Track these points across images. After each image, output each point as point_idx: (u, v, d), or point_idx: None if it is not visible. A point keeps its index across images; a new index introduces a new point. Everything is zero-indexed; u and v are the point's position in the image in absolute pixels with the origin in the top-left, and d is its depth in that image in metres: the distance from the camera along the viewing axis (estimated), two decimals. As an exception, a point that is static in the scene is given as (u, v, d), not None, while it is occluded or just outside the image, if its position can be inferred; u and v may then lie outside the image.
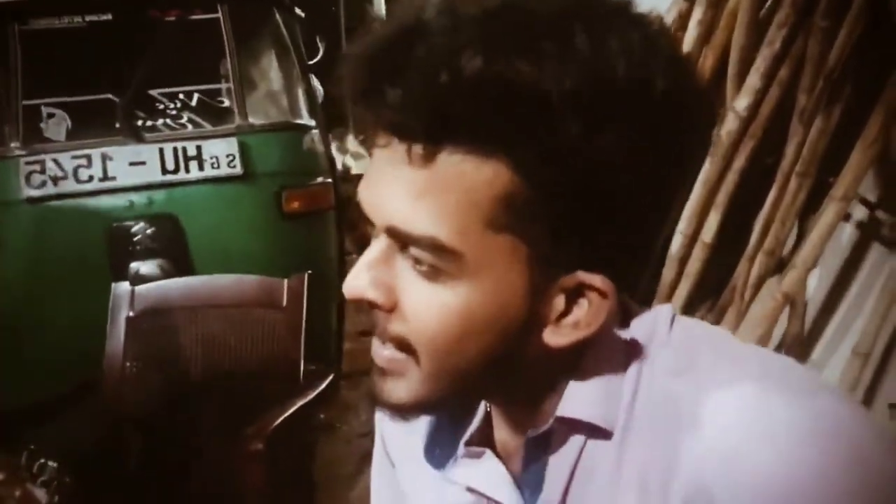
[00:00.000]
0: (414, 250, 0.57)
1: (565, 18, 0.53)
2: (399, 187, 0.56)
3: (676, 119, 0.55)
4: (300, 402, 1.85)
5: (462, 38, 0.52)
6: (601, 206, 0.55)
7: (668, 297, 1.89)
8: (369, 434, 0.84)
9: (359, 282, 0.59)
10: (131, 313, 2.26)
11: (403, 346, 0.60)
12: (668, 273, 1.92)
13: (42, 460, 0.99)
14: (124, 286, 2.27)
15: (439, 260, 0.56)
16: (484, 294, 0.57)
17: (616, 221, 0.56)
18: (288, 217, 2.97)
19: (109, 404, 2.17)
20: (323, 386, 1.97)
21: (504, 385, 0.64)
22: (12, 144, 2.77)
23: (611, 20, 0.54)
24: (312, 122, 3.19)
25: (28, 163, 2.70)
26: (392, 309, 0.59)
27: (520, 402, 0.66)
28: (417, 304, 0.58)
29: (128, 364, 2.22)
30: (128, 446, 2.11)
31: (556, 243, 0.56)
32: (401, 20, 0.56)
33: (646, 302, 0.67)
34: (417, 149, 0.54)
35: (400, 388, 0.62)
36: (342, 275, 3.43)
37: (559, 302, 0.58)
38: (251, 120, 2.97)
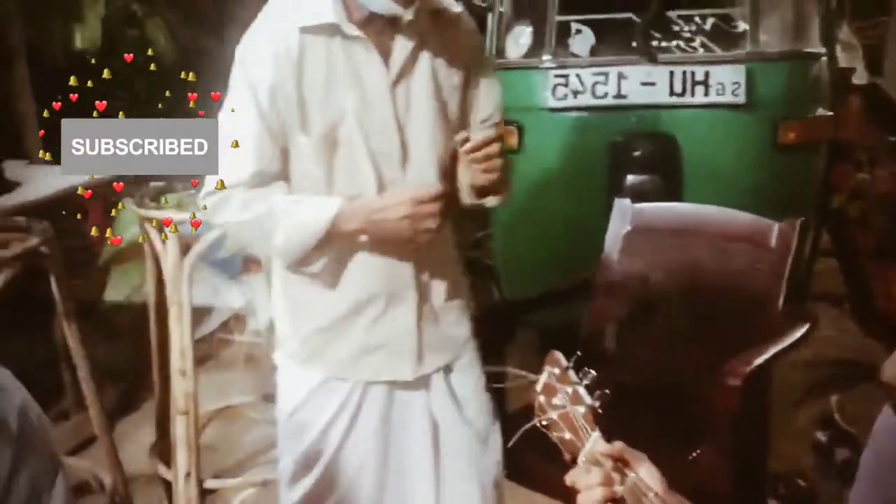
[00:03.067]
0: None
1: None
2: None
3: None
4: (778, 347, 1.94)
5: None
6: None
7: None
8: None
9: None
10: (628, 227, 2.51)
11: None
12: None
13: (585, 368, 1.14)
14: (625, 202, 2.52)
15: None
16: None
17: None
18: (781, 148, 2.97)
19: (601, 306, 2.47)
20: (800, 334, 2.02)
21: None
22: (544, 57, 3.16)
23: None
24: (822, 50, 3.08)
25: (556, 76, 3.06)
26: None
27: None
28: None
29: (620, 272, 2.50)
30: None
31: None
32: None
33: None
34: None
35: None
36: (823, 210, 3.35)
37: None
38: (762, 47, 2.98)
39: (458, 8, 1.58)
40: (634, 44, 3.05)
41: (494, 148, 1.46)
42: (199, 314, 4.06)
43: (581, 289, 2.46)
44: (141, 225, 2.35)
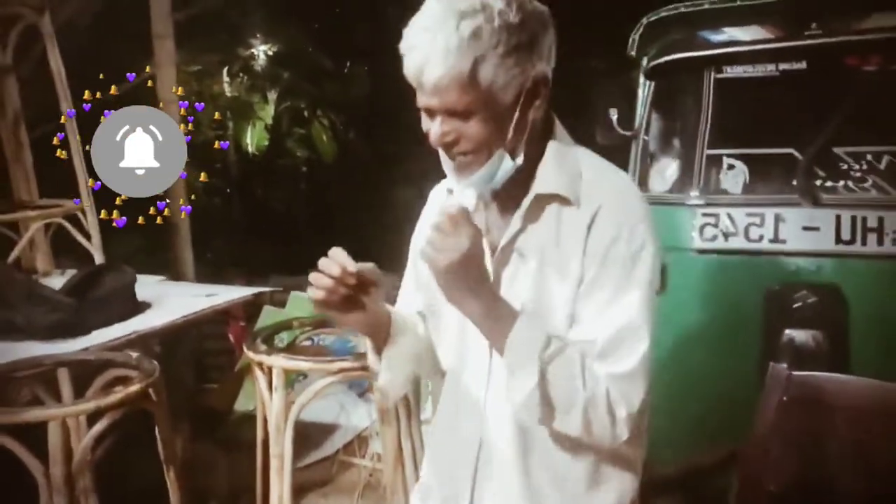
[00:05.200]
0: None
1: None
2: None
3: None
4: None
5: None
6: None
7: None
8: None
9: None
10: (785, 397, 2.22)
11: None
12: None
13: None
14: (782, 369, 2.23)
15: None
16: None
17: None
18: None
19: (749, 484, 2.18)
20: None
21: None
22: (692, 193, 2.93)
23: None
24: None
25: (704, 214, 2.82)
26: None
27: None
28: None
29: (773, 450, 2.20)
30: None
31: None
32: None
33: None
34: None
35: None
36: None
37: None
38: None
39: (602, 194, 1.40)
40: (795, 182, 2.78)
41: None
42: (324, 432, 4.00)
43: (726, 465, 2.18)
44: (251, 368, 2.29)
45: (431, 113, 1.27)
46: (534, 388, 1.23)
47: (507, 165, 1.30)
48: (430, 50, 1.20)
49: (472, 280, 1.24)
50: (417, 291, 1.49)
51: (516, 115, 1.27)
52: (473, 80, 1.21)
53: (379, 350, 1.40)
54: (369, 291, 1.30)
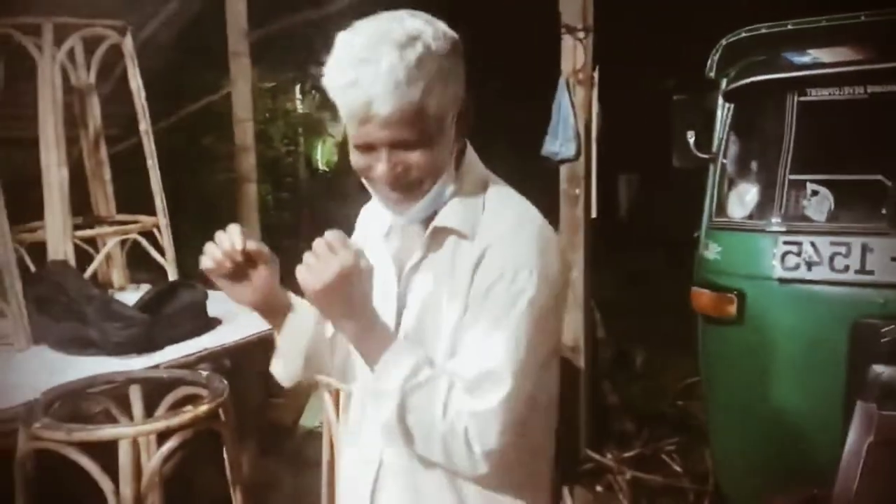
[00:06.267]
0: None
1: None
2: None
3: None
4: None
5: None
6: None
7: None
8: None
9: None
10: (872, 438, 2.10)
11: None
12: None
13: None
14: (871, 407, 2.12)
15: None
16: None
17: None
18: None
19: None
20: None
21: None
22: (773, 219, 2.82)
23: None
24: None
25: (786, 242, 2.71)
26: None
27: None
28: None
29: (859, 492, 2.08)
30: None
31: None
32: None
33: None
34: None
35: None
36: None
37: None
38: None
39: (500, 229, 1.37)
40: (884, 211, 2.65)
41: None
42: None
43: (810, 510, 2.07)
44: (316, 382, 2.27)
45: (370, 148, 1.24)
46: (392, 413, 1.25)
47: (447, 193, 1.31)
48: (377, 83, 1.17)
49: (345, 302, 1.25)
50: None
51: (452, 141, 1.29)
52: (422, 110, 1.20)
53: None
54: (257, 267, 1.36)
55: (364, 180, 1.30)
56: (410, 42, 1.19)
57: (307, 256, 1.24)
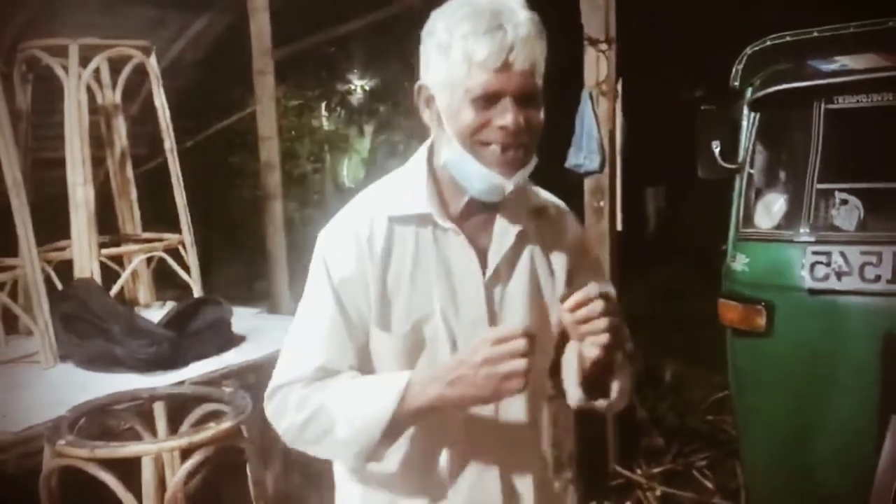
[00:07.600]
0: None
1: None
2: None
3: None
4: None
5: None
6: None
7: None
8: None
9: None
10: (909, 453, 2.05)
11: None
12: None
13: None
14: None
15: None
16: None
17: None
18: None
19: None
20: None
21: None
22: (801, 229, 2.77)
23: None
24: None
25: (815, 252, 2.66)
26: None
27: None
28: None
29: (895, 509, 2.03)
30: None
31: None
32: None
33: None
34: None
35: None
36: None
37: None
38: None
39: (562, 205, 1.44)
40: (918, 217, 2.60)
41: (598, 305, 1.15)
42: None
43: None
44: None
45: (496, 98, 1.21)
46: None
47: (530, 169, 1.29)
48: (521, 28, 1.19)
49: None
50: (351, 340, 1.30)
51: None
52: (538, 70, 1.23)
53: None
54: None
55: (469, 144, 1.23)
56: (528, 7, 1.24)
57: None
